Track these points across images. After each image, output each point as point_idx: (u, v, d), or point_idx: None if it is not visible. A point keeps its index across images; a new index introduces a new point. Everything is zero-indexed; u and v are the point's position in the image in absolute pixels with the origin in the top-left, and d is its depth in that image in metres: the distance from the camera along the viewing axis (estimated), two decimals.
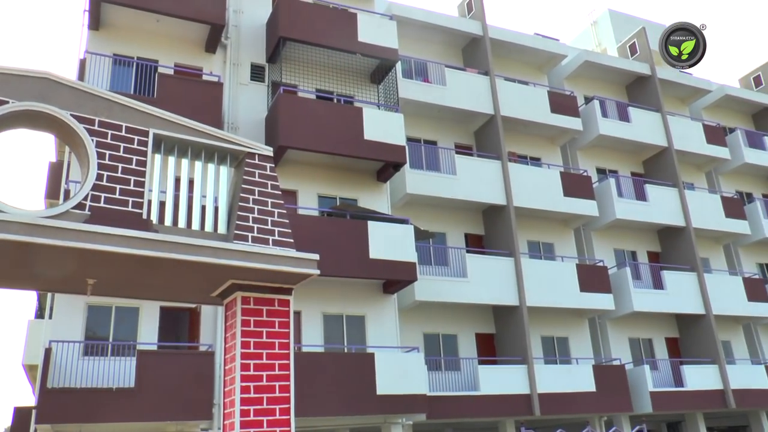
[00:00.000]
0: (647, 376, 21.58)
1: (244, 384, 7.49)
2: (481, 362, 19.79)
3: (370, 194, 19.25)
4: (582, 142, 25.54)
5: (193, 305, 15.93)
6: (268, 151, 8.43)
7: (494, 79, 23.05)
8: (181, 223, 7.77)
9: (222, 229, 7.98)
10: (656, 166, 26.88)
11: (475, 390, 18.77)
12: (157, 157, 7.77)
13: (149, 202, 7.45)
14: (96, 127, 7.26)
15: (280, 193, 8.29)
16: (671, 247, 25.64)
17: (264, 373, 7.64)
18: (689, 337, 24.54)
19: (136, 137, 7.48)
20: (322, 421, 16.32)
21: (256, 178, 8.17)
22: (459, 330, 20.53)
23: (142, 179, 7.37)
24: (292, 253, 7.81)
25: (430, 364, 18.70)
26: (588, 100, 26.21)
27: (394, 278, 17.70)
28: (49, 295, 16.58)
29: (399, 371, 16.59)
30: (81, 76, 17.20)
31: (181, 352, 15.81)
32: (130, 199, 7.22)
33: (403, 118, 19.29)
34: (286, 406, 7.70)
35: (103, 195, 7.08)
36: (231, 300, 8.02)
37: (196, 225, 7.84)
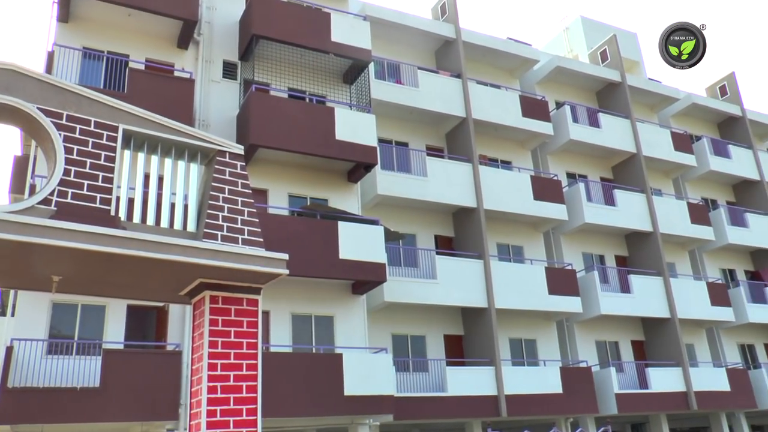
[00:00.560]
0: (613, 378, 21.86)
1: (211, 384, 7.42)
2: (449, 363, 19.86)
3: (340, 194, 19.22)
4: (552, 147, 25.79)
5: (161, 304, 15.75)
6: (239, 149, 8.37)
7: (466, 82, 23.17)
8: (150, 220, 7.68)
9: (191, 227, 7.90)
10: (625, 171, 27.26)
11: (442, 391, 18.83)
12: (127, 153, 7.66)
13: (118, 198, 7.35)
14: (64, 122, 7.14)
15: (250, 191, 8.23)
16: (638, 252, 26.02)
17: (231, 373, 7.58)
18: (654, 340, 24.93)
19: (105, 132, 7.37)
20: (289, 422, 16.25)
21: (227, 177, 8.11)
22: (427, 331, 20.59)
23: (111, 175, 7.27)
24: (262, 252, 7.76)
25: (398, 365, 18.73)
26: (559, 105, 26.49)
27: (364, 279, 17.69)
28: (12, 292, 16.26)
29: (367, 372, 16.57)
30: (49, 69, 16.90)
31: (148, 352, 15.64)
32: (98, 195, 7.11)
33: (374, 119, 19.30)
34: (253, 406, 7.64)
35: (70, 191, 6.96)
36: (199, 299, 7.94)
37: (165, 223, 7.76)
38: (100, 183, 7.16)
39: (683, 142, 28.83)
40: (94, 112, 7.38)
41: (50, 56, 17.00)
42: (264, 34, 18.41)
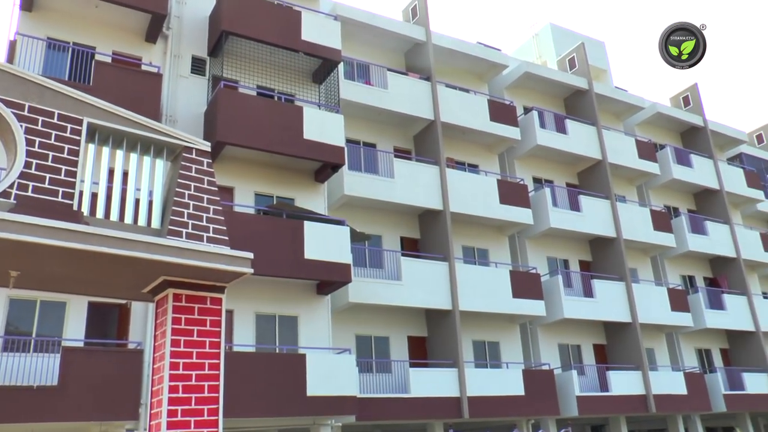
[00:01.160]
0: (575, 380, 22.14)
1: (172, 383, 7.34)
2: (412, 365, 19.91)
3: (307, 194, 19.15)
4: (519, 152, 26.02)
5: (123, 301, 15.52)
6: (206, 146, 8.29)
7: (435, 85, 23.26)
8: (114, 216, 7.57)
9: (156, 223, 7.80)
10: (590, 178, 27.63)
11: (405, 392, 18.86)
12: (91, 146, 7.55)
13: (81, 193, 7.23)
14: (26, 113, 7.00)
15: (216, 189, 8.17)
16: (602, 257, 26.39)
17: (193, 373, 7.50)
18: (616, 344, 25.30)
19: (69, 125, 7.24)
20: (251, 422, 16.13)
21: (193, 173, 8.03)
22: (391, 332, 20.60)
23: (74, 169, 7.14)
24: (227, 250, 7.69)
25: (361, 366, 18.72)
26: (527, 110, 26.73)
27: (329, 279, 17.63)
28: None
29: (330, 372, 16.52)
30: (11, 58, 16.52)
31: (109, 350, 15.36)
32: (61, 189, 6.98)
33: (343, 119, 19.26)
34: (215, 406, 7.57)
35: (31, 184, 6.82)
36: (162, 297, 7.84)
37: (129, 219, 7.65)
38: (62, 177, 7.04)
39: (647, 150, 29.34)
40: (57, 104, 7.24)
41: (12, 45, 16.62)
42: (234, 30, 18.27)
